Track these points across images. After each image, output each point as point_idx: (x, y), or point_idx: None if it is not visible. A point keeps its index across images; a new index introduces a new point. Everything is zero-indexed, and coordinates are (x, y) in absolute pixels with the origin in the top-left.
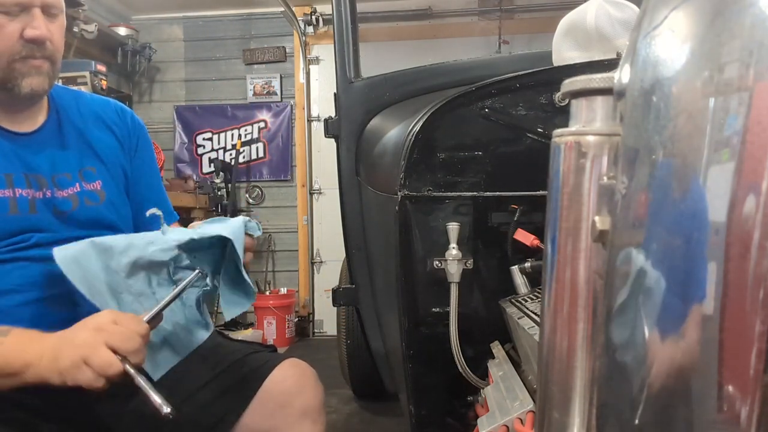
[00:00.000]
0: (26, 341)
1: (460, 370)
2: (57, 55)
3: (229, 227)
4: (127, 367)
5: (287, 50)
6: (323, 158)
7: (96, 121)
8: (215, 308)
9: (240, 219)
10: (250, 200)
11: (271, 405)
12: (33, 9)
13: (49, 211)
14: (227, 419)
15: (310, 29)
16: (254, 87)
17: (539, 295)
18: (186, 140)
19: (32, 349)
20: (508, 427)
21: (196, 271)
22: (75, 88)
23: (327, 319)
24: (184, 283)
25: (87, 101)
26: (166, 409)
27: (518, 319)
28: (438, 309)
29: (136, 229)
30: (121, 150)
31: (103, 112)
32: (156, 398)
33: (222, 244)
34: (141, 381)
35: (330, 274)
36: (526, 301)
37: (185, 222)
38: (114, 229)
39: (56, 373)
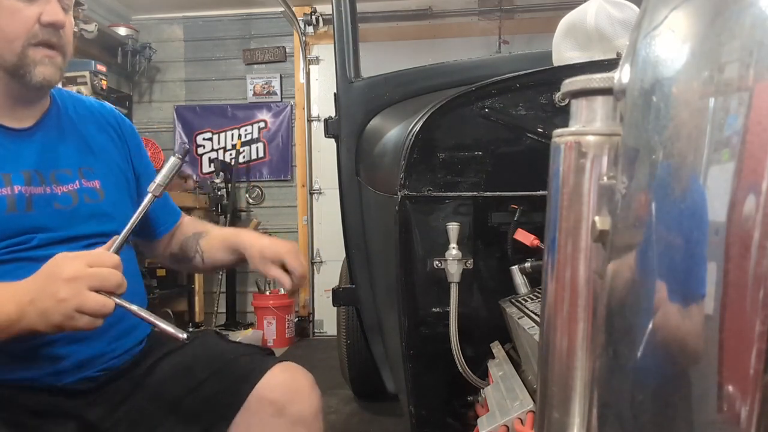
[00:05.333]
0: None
1: (460, 370)
2: (68, 48)
3: None
4: (134, 307)
5: (287, 50)
6: (323, 158)
7: (93, 123)
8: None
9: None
10: (250, 200)
11: (260, 414)
12: None
13: (50, 207)
14: (214, 430)
15: (310, 29)
16: (254, 87)
17: (539, 295)
18: (186, 140)
19: (8, 306)
20: (508, 427)
21: (149, 195)
22: (75, 88)
23: (327, 319)
24: (140, 208)
25: (84, 103)
26: (182, 335)
27: (518, 319)
28: (438, 309)
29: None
30: (117, 153)
31: (100, 114)
32: (168, 328)
33: None
34: (148, 315)
35: (330, 274)
36: (526, 301)
37: None
38: (114, 221)
39: (50, 328)
